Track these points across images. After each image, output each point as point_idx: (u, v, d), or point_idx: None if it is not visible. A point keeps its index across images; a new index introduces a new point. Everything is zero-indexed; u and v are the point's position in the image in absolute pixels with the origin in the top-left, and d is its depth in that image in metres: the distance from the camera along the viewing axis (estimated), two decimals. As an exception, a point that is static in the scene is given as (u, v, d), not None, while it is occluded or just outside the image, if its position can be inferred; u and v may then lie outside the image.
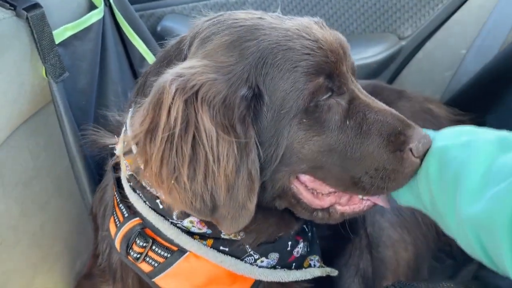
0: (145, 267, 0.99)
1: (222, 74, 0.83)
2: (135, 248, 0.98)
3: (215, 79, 0.82)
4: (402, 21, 2.01)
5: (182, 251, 0.97)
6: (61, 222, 1.44)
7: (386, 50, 2.00)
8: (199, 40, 0.92)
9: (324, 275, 1.09)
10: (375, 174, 0.87)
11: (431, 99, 1.59)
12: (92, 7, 1.53)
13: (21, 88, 1.21)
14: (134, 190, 1.01)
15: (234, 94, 0.82)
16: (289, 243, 1.03)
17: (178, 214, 0.95)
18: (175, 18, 2.11)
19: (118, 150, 1.04)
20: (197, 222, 0.95)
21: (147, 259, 0.98)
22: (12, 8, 1.18)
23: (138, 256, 0.98)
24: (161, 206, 0.96)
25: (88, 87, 1.45)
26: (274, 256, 1.01)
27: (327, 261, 1.14)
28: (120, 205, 1.04)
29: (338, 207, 0.96)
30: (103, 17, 1.54)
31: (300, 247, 1.06)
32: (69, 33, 1.36)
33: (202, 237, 0.98)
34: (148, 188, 0.96)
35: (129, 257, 1.00)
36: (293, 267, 1.05)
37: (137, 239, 0.98)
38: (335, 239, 1.30)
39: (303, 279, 1.04)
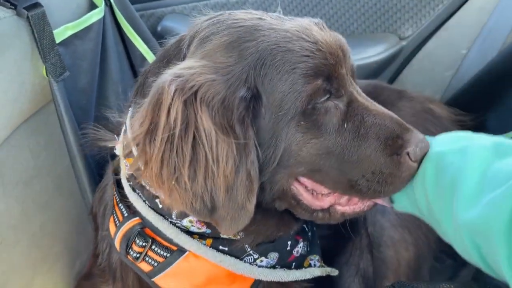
0: (145, 267, 0.99)
1: (221, 75, 0.83)
2: (135, 247, 0.98)
3: (214, 80, 0.82)
4: (402, 21, 2.01)
5: (181, 250, 0.97)
6: (61, 222, 1.44)
7: (387, 50, 2.00)
8: (198, 39, 0.91)
9: (324, 274, 1.09)
10: (372, 178, 0.87)
11: (432, 99, 1.58)
12: (92, 6, 1.53)
13: (22, 87, 1.21)
14: (134, 190, 1.01)
15: (233, 95, 0.82)
16: (289, 242, 1.03)
17: (177, 213, 0.95)
18: (175, 18, 2.11)
19: (118, 150, 1.04)
20: (196, 222, 0.95)
21: (147, 258, 0.98)
22: (13, 7, 1.18)
23: (138, 255, 0.98)
24: (160, 206, 0.96)
25: (88, 87, 1.45)
26: (273, 256, 1.01)
27: (327, 260, 1.14)
28: (120, 204, 1.04)
29: (338, 208, 0.96)
30: (104, 16, 1.54)
31: (300, 247, 1.06)
32: (70, 33, 1.36)
33: (201, 236, 0.98)
34: (148, 188, 0.96)
35: (128, 256, 1.00)
36: (293, 266, 1.05)
37: (136, 238, 0.98)
38: (336, 238, 1.30)
39: (303, 278, 1.04)
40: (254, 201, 0.84)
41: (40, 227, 1.35)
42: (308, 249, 1.10)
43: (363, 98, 0.92)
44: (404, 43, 2.04)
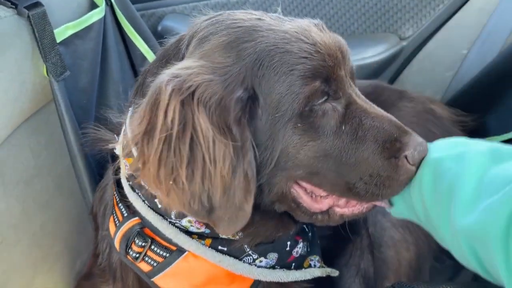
0: (144, 267, 0.99)
1: (219, 75, 0.83)
2: (134, 247, 0.98)
3: (211, 80, 0.81)
4: (403, 22, 2.01)
5: (180, 250, 0.97)
6: (62, 222, 1.44)
7: (387, 50, 2.00)
8: (197, 39, 0.91)
9: (324, 275, 1.08)
10: (369, 181, 0.86)
11: (433, 100, 1.59)
12: (93, 6, 1.53)
13: (22, 86, 1.22)
14: (133, 189, 1.01)
15: (230, 95, 0.81)
16: (288, 243, 1.03)
17: (176, 213, 0.95)
18: (175, 18, 2.11)
19: (118, 150, 1.04)
20: (195, 222, 0.95)
21: (146, 258, 0.98)
22: (14, 6, 1.18)
23: (137, 255, 0.98)
24: (159, 206, 0.96)
25: (89, 86, 1.45)
26: (273, 256, 1.01)
27: (327, 261, 1.13)
28: (120, 204, 1.04)
29: (337, 209, 0.95)
30: (104, 16, 1.54)
31: (300, 247, 1.06)
32: (70, 32, 1.36)
33: (200, 236, 0.98)
34: (147, 187, 0.96)
35: (128, 256, 1.00)
36: (292, 267, 1.05)
37: (136, 238, 0.98)
38: (336, 239, 1.30)
39: (302, 279, 1.03)
40: (251, 201, 0.83)
41: (40, 226, 1.35)
42: (308, 250, 1.10)
43: (361, 100, 0.91)
44: (404, 43, 2.04)
